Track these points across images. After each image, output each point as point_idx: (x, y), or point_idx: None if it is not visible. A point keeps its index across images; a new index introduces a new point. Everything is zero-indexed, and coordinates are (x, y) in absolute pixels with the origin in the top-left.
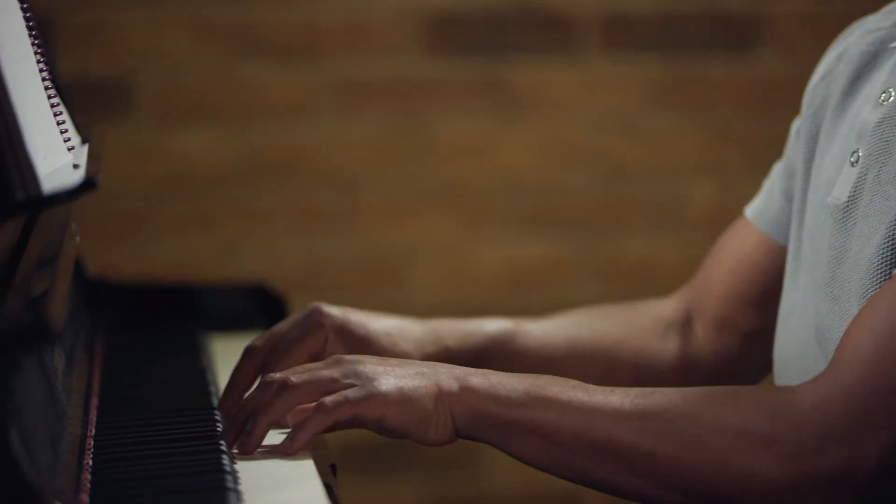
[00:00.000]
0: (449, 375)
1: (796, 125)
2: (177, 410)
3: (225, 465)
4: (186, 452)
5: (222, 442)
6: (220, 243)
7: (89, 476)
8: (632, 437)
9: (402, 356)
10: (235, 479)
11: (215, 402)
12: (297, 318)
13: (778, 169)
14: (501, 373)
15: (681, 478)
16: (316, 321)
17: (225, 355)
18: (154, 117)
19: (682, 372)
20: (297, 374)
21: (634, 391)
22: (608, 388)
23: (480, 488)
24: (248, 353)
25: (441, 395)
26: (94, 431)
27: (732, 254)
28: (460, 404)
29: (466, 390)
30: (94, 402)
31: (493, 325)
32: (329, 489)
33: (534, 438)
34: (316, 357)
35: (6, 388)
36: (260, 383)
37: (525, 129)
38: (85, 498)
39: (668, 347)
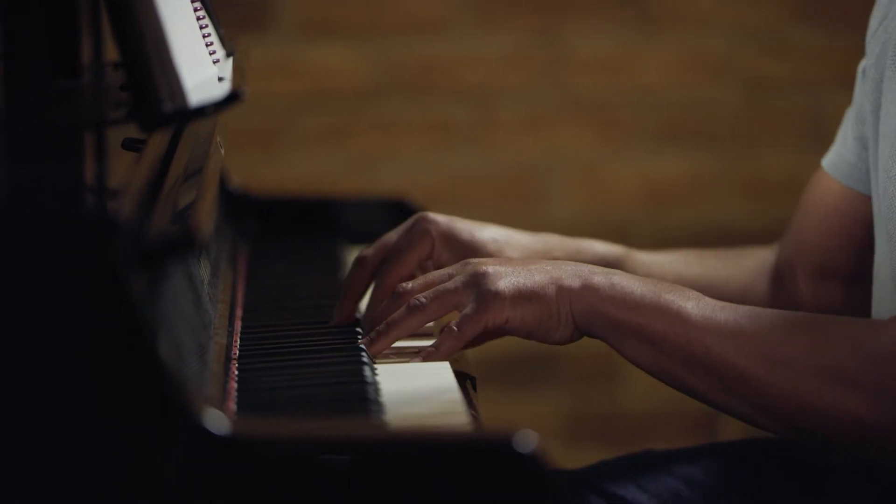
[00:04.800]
0: (573, 273)
1: (862, 66)
2: (318, 322)
3: (366, 376)
4: (328, 363)
5: (363, 353)
6: (357, 158)
7: (235, 384)
8: (728, 356)
9: None
10: (377, 391)
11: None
12: (404, 226)
13: (849, 115)
14: (625, 274)
15: (770, 403)
16: (422, 228)
17: None
18: (295, 32)
19: None
20: (426, 294)
21: (743, 309)
22: (719, 304)
23: (618, 404)
24: (359, 262)
25: (561, 292)
26: (238, 341)
27: (817, 205)
28: (580, 301)
29: (587, 288)
30: (239, 312)
31: (603, 247)
32: (469, 402)
33: (642, 344)
34: (425, 264)
35: (155, 297)
36: (393, 294)
37: (664, 43)
38: (232, 405)
39: (773, 292)
